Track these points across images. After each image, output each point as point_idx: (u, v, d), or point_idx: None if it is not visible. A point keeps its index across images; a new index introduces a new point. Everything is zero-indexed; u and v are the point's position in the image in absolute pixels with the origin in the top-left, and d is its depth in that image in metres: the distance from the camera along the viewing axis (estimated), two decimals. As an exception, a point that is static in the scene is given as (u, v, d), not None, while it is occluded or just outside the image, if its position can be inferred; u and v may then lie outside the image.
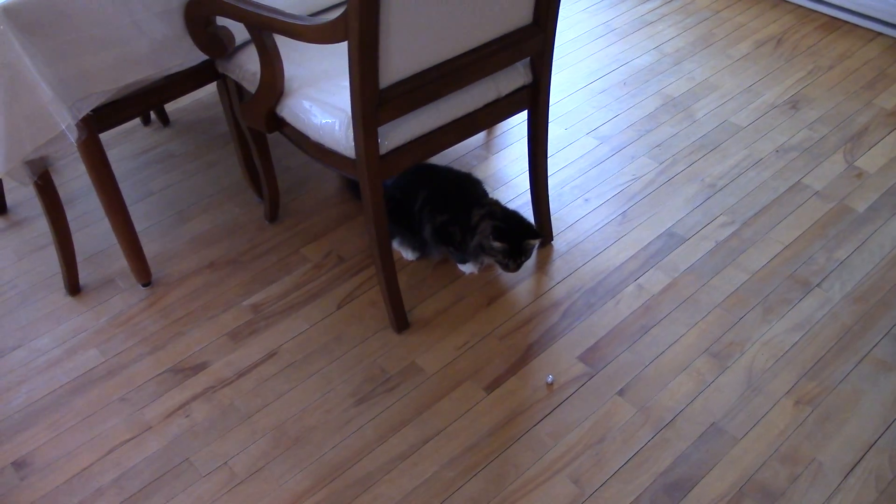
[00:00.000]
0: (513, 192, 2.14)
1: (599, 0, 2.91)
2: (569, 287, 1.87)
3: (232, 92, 1.78)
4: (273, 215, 2.05)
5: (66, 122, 1.38)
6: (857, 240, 1.93)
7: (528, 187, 2.14)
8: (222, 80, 1.79)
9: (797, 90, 2.47)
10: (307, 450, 1.52)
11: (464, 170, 2.03)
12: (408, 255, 1.89)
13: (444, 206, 1.80)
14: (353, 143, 1.47)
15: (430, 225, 1.81)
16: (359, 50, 1.27)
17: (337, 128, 1.48)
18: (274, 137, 2.26)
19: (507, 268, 1.77)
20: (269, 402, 1.63)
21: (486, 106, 1.65)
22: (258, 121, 1.63)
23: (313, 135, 1.55)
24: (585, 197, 2.13)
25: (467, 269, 1.90)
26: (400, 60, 1.38)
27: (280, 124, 1.64)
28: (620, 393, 1.64)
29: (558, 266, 1.93)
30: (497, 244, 1.71)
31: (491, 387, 1.65)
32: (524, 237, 1.72)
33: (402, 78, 1.43)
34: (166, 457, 1.53)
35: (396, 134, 1.52)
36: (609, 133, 2.34)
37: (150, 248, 1.97)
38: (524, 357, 1.71)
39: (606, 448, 1.54)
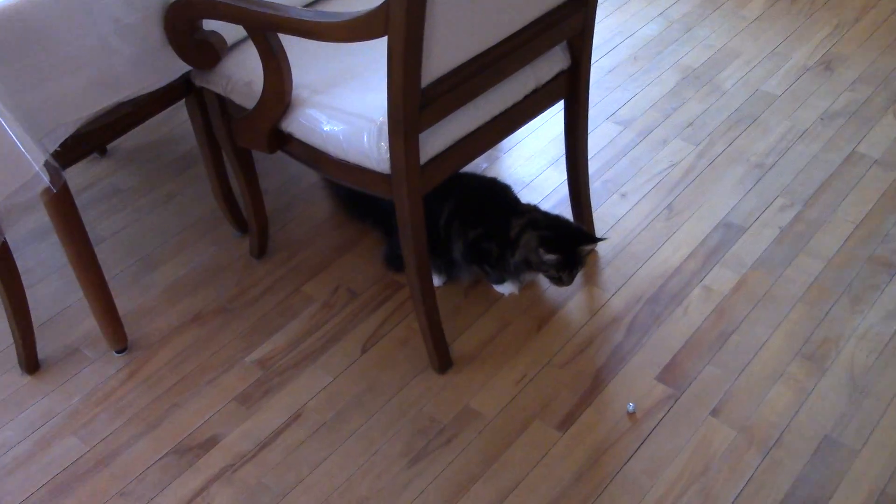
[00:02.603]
0: (536, 194, 2.15)
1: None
2: (627, 298, 1.89)
3: (212, 108, 1.74)
4: (262, 250, 2.02)
5: (40, 163, 1.31)
6: (932, 209, 2.01)
7: (552, 188, 2.16)
8: (195, 96, 1.76)
9: (827, 49, 2.55)
10: (364, 526, 1.51)
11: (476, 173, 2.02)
12: (434, 280, 1.87)
13: (476, 218, 1.80)
14: (386, 156, 1.46)
15: (460, 242, 1.81)
16: (404, 45, 1.25)
17: (365, 140, 1.47)
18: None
19: (559, 282, 1.77)
20: (305, 474, 1.59)
21: (525, 98, 1.66)
22: (258, 140, 1.60)
23: (334, 150, 1.53)
24: (622, 192, 2.15)
25: (506, 289, 1.90)
26: (442, 53, 1.38)
27: (284, 141, 1.62)
28: (714, 413, 1.65)
29: (609, 275, 1.94)
30: (550, 256, 1.70)
31: (564, 424, 1.65)
32: (577, 243, 1.73)
33: (443, 74, 1.42)
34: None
35: (435, 140, 1.52)
36: (631, 116, 2.37)
37: (117, 306, 1.90)
38: (594, 385, 1.72)
39: (713, 480, 1.54)
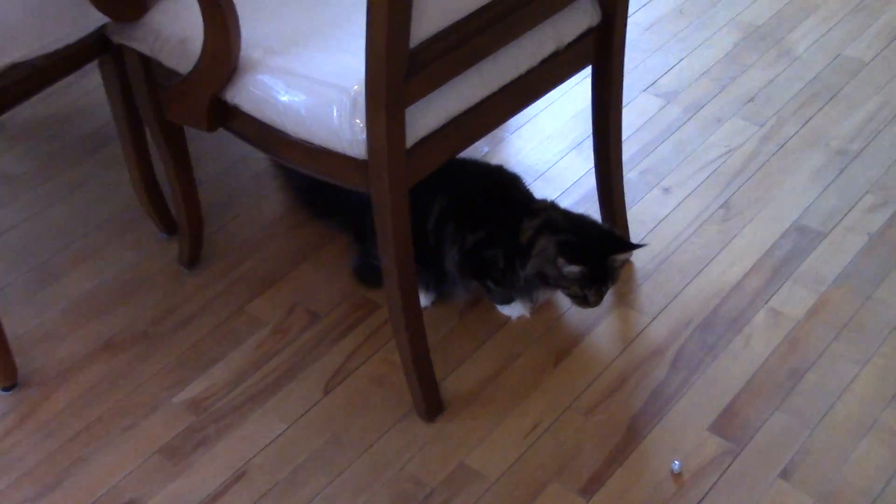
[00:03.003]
0: (553, 187, 2.16)
1: None
2: (671, 323, 1.89)
3: (133, 73, 1.75)
4: (194, 257, 2.02)
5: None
6: None
7: (575, 179, 2.18)
8: (111, 56, 1.77)
9: (929, 3, 2.57)
10: None
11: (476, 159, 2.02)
12: (420, 299, 1.81)
13: (476, 219, 1.81)
14: (362, 136, 1.46)
15: (455, 249, 1.81)
16: (390, -8, 1.26)
17: (335, 115, 1.47)
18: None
19: (584, 302, 1.78)
20: (252, 552, 1.59)
21: (542, 63, 1.66)
22: (194, 113, 1.60)
23: (293, 128, 1.53)
24: (664, 185, 2.16)
25: (514, 311, 1.91)
26: (437, 3, 1.39)
27: (227, 116, 1.62)
28: (784, 475, 1.64)
29: (648, 293, 1.94)
30: (572, 268, 1.71)
31: (589, 489, 1.64)
32: (608, 251, 1.73)
33: (438, 31, 1.43)
34: None
35: (426, 116, 1.51)
36: (675, 86, 2.38)
37: (4, 330, 1.88)
38: (628, 438, 1.71)
39: (784, 562, 1.55)
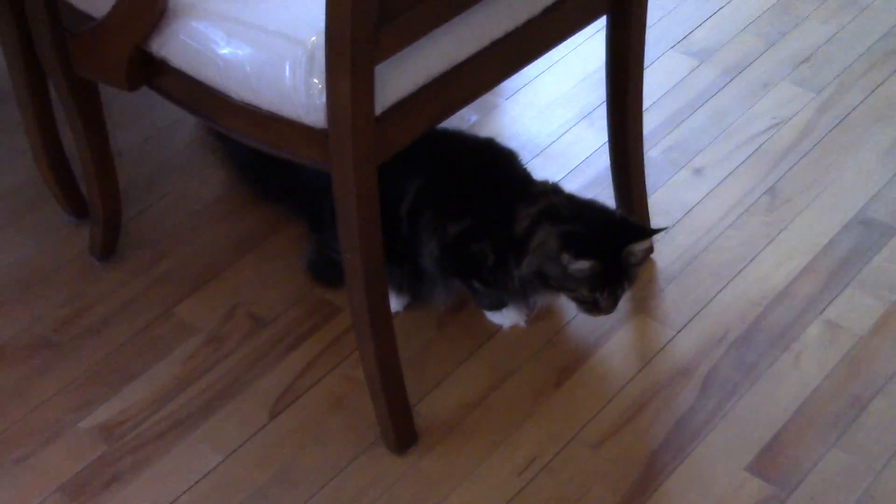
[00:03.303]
0: (557, 166, 2.17)
1: None
2: (701, 337, 1.89)
3: (35, 17, 1.74)
4: (110, 247, 2.03)
5: None
6: None
7: (585, 156, 2.20)
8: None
9: None
10: None
11: (462, 131, 2.03)
12: (390, 302, 1.79)
13: (460, 205, 1.81)
14: (320, 100, 1.45)
15: (434, 242, 1.82)
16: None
17: (288, 72, 1.46)
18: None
19: (594, 308, 1.79)
20: None
21: (546, 13, 1.66)
22: (111, 68, 1.60)
23: (236, 88, 1.52)
24: (695, 165, 2.15)
25: (506, 319, 1.91)
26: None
27: (152, 72, 1.62)
28: (839, 528, 1.65)
29: (673, 299, 1.95)
30: (579, 265, 1.72)
31: (599, 540, 1.63)
32: (623, 242, 1.74)
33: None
34: None
35: (401, 76, 1.50)
36: (712, 43, 2.38)
37: None
38: (648, 476, 1.71)
39: None
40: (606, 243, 1.74)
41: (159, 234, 2.07)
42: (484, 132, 2.13)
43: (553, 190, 1.84)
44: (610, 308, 1.79)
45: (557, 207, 1.78)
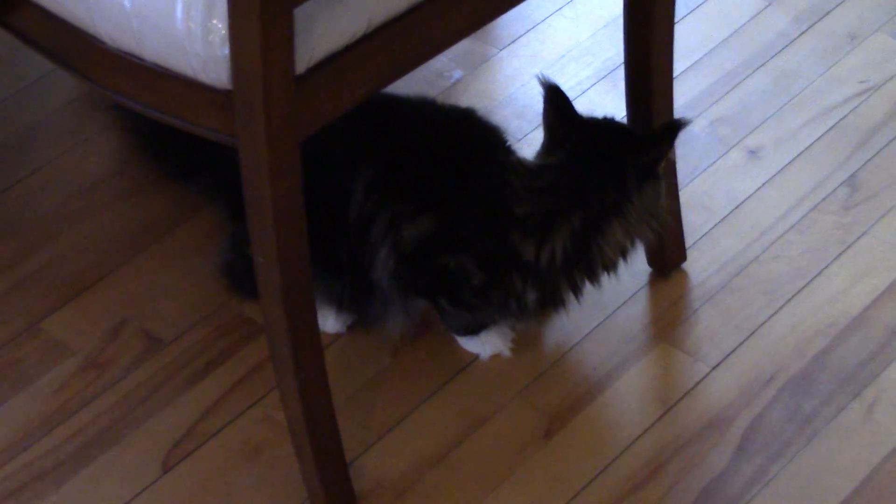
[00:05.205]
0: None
1: None
2: (744, 377, 1.77)
3: None
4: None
5: None
6: None
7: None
8: None
9: None
10: None
11: (432, 99, 1.96)
12: (326, 322, 1.81)
13: (425, 197, 1.71)
14: (223, 51, 1.34)
15: (387, 249, 1.71)
16: None
17: (179, 11, 1.35)
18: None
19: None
20: None
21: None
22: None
23: (112, 32, 1.41)
24: (748, 145, 2.06)
25: (486, 346, 1.81)
26: None
27: (8, 7, 1.54)
28: None
29: (709, 325, 1.84)
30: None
31: None
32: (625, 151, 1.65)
33: None
34: None
35: (334, 21, 1.40)
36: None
37: None
38: (668, 560, 1.65)
39: None
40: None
41: (27, 222, 1.98)
42: (470, 94, 2.09)
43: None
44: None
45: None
